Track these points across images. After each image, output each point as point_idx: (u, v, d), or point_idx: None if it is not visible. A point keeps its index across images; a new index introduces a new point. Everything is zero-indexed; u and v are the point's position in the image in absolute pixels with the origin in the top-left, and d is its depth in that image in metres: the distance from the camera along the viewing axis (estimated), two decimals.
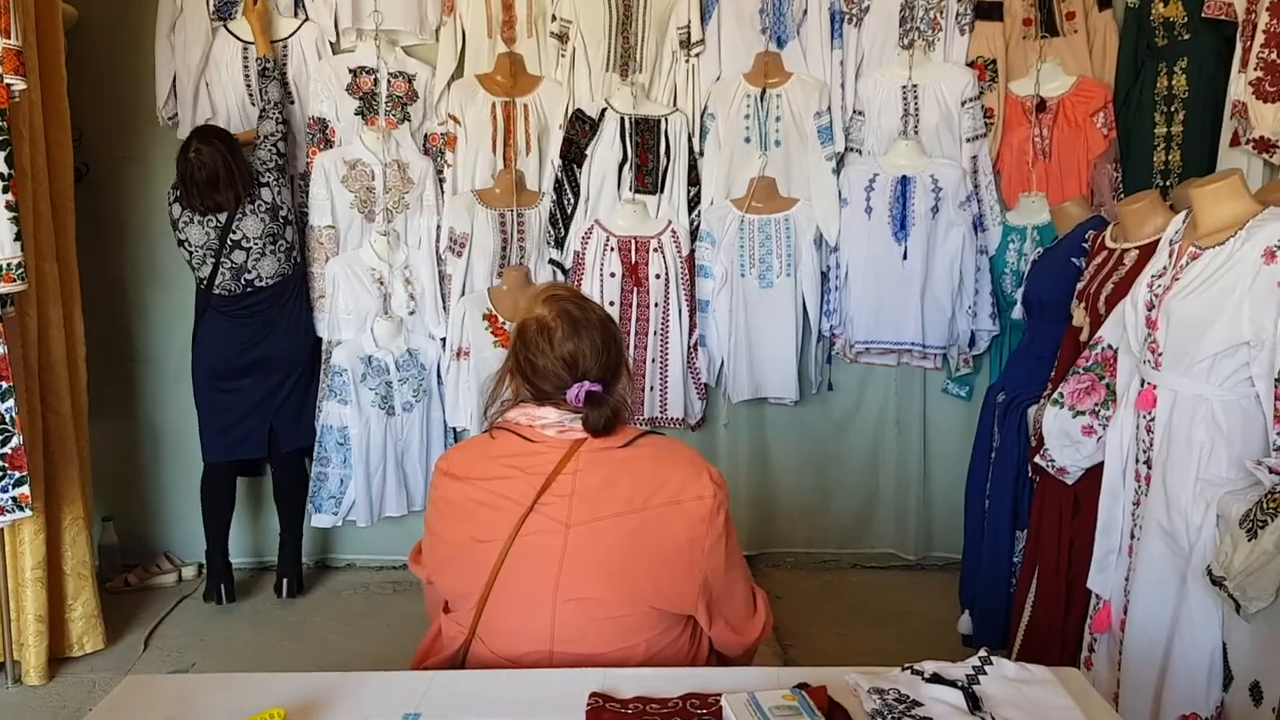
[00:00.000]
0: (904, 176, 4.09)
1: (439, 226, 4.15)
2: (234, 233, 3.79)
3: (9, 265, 3.02)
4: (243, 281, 3.84)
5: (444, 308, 4.18)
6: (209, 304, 3.87)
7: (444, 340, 4.18)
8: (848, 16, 4.18)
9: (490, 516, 1.76)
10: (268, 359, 3.93)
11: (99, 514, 4.09)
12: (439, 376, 4.20)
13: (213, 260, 3.80)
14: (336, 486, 4.09)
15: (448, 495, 1.84)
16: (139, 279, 4.27)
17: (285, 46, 4.10)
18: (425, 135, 4.23)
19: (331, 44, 4.16)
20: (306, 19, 4.13)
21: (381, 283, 4.10)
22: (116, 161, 4.18)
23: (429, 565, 1.91)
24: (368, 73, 4.12)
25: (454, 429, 4.26)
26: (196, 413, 3.98)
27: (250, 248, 3.82)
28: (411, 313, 4.15)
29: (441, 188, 4.18)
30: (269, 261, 3.86)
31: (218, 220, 3.77)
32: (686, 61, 4.22)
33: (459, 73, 4.19)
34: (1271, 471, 2.23)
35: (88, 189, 4.01)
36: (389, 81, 4.14)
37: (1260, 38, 3.44)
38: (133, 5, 4.07)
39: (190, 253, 3.82)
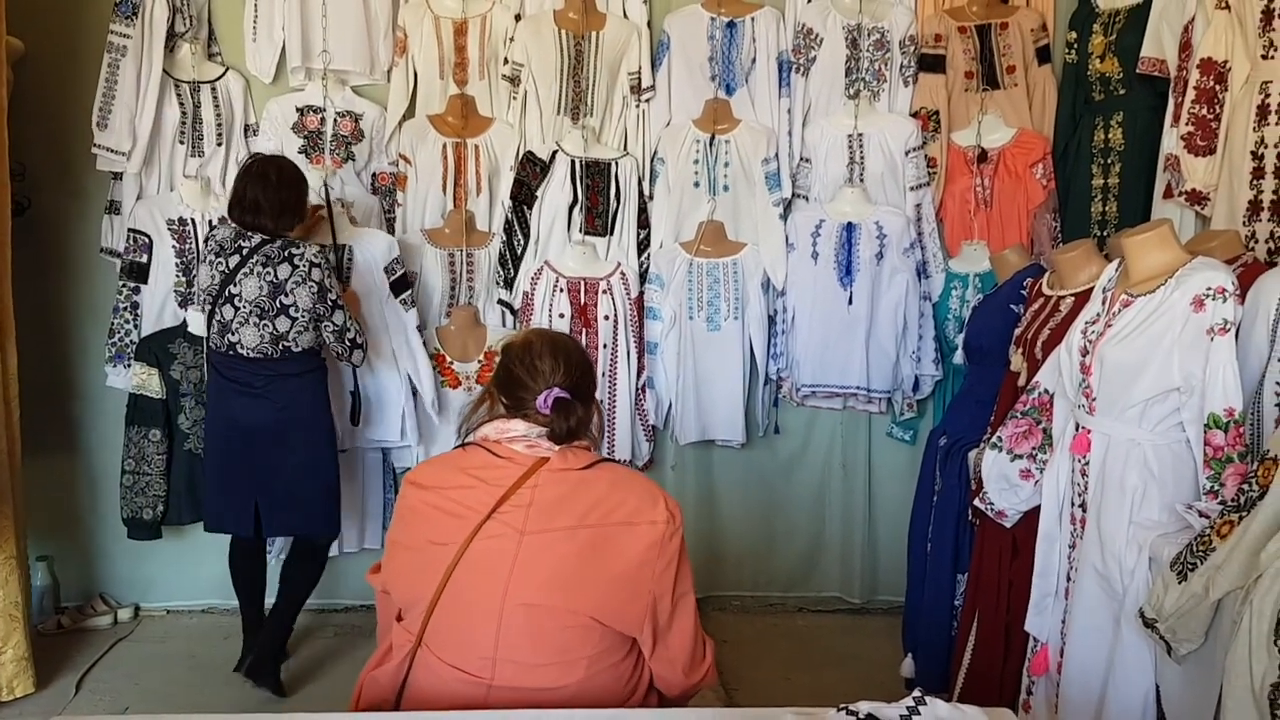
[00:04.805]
0: (849, 223, 4.15)
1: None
2: (233, 284, 3.34)
3: None
4: (226, 342, 3.40)
5: None
6: (209, 359, 3.54)
7: None
8: (795, 66, 4.25)
9: (448, 522, 1.83)
10: (261, 431, 3.44)
11: (35, 554, 3.97)
12: None
13: (208, 308, 3.40)
14: None
15: (411, 503, 1.91)
16: (80, 315, 4.19)
17: (214, 88, 4.08)
18: (374, 174, 4.22)
19: (262, 84, 4.14)
20: (228, 69, 4.12)
21: None
22: (60, 197, 4.11)
23: (385, 574, 1.97)
24: (314, 111, 4.11)
25: (394, 468, 4.21)
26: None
27: (240, 307, 3.34)
28: None
29: (391, 227, 4.17)
30: (250, 331, 3.35)
31: (227, 265, 3.33)
32: (637, 106, 4.26)
33: (410, 113, 4.20)
34: (1201, 515, 2.28)
35: (29, 223, 3.94)
36: (335, 121, 4.13)
37: (1191, 94, 3.56)
38: (81, 40, 4.03)
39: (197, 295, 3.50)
